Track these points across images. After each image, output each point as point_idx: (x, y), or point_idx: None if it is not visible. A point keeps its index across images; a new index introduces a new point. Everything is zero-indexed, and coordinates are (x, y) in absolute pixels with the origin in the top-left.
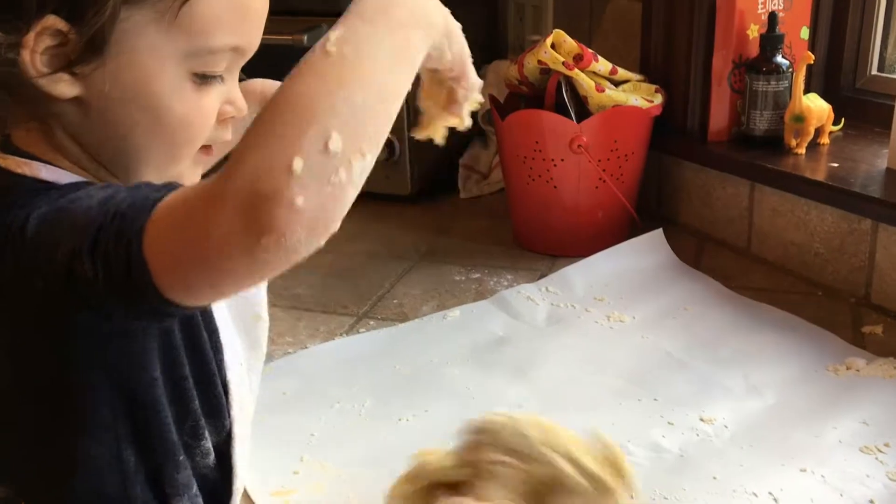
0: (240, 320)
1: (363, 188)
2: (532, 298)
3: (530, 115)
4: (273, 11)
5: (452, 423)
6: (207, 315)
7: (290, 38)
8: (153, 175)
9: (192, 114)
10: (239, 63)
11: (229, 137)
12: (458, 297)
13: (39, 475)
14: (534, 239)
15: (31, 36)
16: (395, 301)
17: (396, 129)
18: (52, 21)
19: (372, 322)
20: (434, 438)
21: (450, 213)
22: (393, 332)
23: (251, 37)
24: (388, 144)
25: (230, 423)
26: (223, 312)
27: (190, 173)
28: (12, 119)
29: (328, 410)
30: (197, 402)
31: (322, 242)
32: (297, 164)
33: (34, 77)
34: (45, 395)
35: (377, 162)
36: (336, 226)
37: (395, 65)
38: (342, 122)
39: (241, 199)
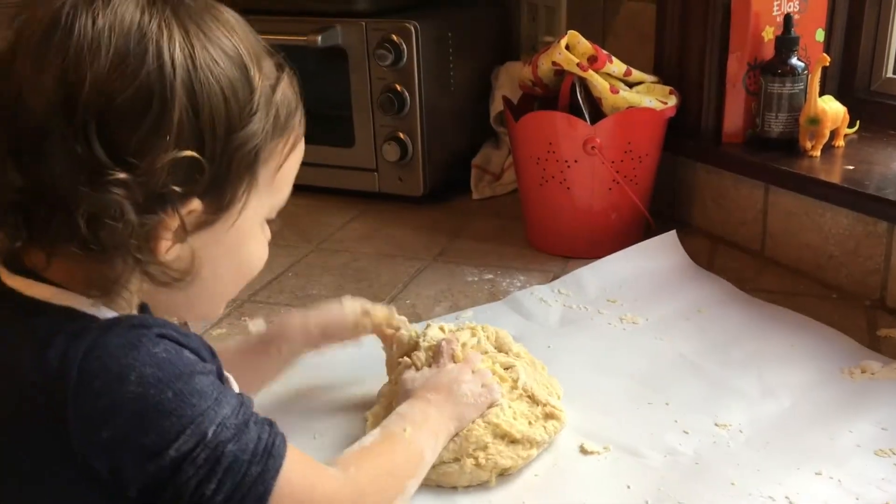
0: None
1: (375, 189)
2: (545, 300)
3: (544, 117)
4: (287, 12)
5: None
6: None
7: (304, 38)
8: (204, 313)
9: (263, 254)
10: None
11: None
12: (471, 297)
13: None
14: (546, 240)
15: (173, 223)
16: (408, 301)
17: (410, 129)
18: (195, 204)
19: None
20: None
21: (462, 214)
22: None
23: None
24: (401, 145)
25: None
26: None
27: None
28: (77, 279)
29: (337, 411)
30: None
31: None
32: None
33: (163, 255)
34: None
35: (390, 163)
36: None
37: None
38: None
39: None
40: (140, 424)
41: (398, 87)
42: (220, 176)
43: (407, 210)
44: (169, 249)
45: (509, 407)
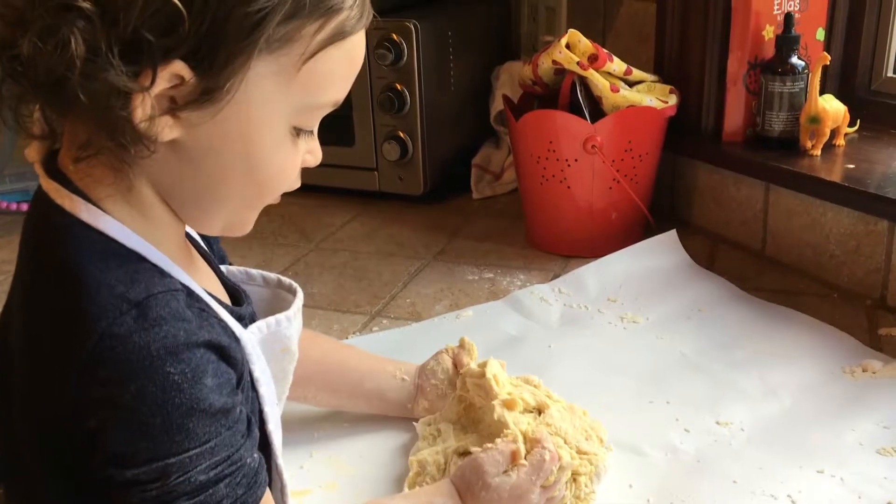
0: (269, 353)
1: (376, 188)
2: (545, 299)
3: (544, 116)
4: None
5: None
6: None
7: None
8: (226, 218)
9: (285, 166)
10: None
11: (298, 184)
12: (471, 296)
13: None
14: (547, 239)
15: (148, 81)
16: (408, 300)
17: (410, 128)
18: (179, 68)
19: (385, 321)
20: None
21: (462, 213)
22: (406, 331)
23: (348, 89)
24: (401, 144)
25: (274, 458)
26: (258, 351)
27: (253, 219)
28: (76, 145)
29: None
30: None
31: None
32: None
33: (140, 121)
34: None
35: (390, 162)
36: None
37: None
38: None
39: None
40: (119, 433)
41: (398, 87)
42: (209, 38)
43: (407, 209)
44: (150, 118)
45: None
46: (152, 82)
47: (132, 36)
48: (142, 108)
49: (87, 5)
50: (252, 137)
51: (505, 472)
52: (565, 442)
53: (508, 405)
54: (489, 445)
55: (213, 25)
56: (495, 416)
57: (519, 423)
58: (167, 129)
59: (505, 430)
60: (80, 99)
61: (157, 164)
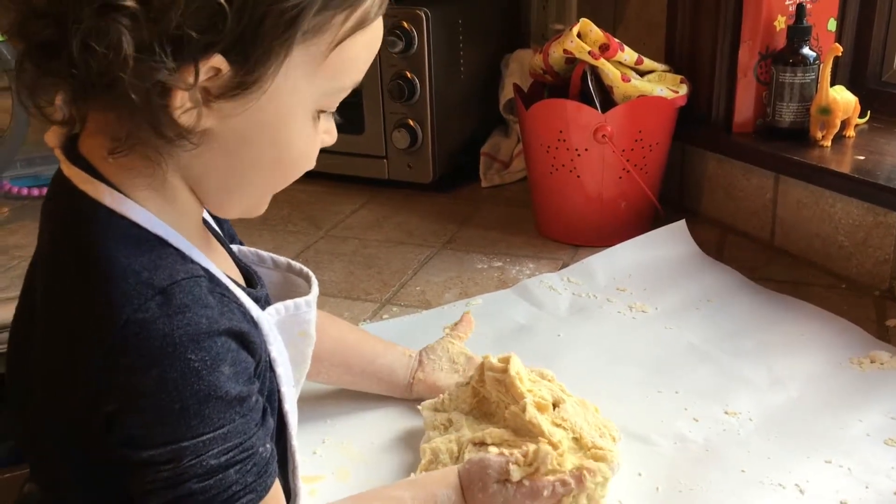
0: (287, 336)
1: (385, 176)
2: (554, 288)
3: (555, 105)
4: None
5: None
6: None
7: None
8: (248, 202)
9: (309, 150)
10: None
11: (314, 164)
12: (481, 285)
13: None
14: (556, 228)
15: (191, 77)
16: (417, 288)
17: (419, 116)
18: (217, 61)
19: (395, 308)
20: None
21: (471, 201)
22: (416, 319)
23: (366, 70)
24: (411, 132)
25: (289, 438)
26: (275, 333)
27: (269, 200)
28: (112, 137)
29: (348, 394)
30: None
31: None
32: None
33: (177, 113)
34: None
35: (399, 150)
36: None
37: None
38: None
39: None
40: (137, 416)
41: (408, 74)
42: (248, 33)
43: (416, 197)
44: (187, 109)
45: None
46: (196, 78)
47: (174, 32)
48: (180, 101)
49: (131, 4)
50: (282, 125)
51: (505, 481)
52: (581, 438)
53: (540, 408)
54: (504, 451)
55: (252, 21)
56: (527, 417)
57: (553, 434)
58: (200, 119)
59: (551, 464)
60: (126, 96)
61: (189, 153)
